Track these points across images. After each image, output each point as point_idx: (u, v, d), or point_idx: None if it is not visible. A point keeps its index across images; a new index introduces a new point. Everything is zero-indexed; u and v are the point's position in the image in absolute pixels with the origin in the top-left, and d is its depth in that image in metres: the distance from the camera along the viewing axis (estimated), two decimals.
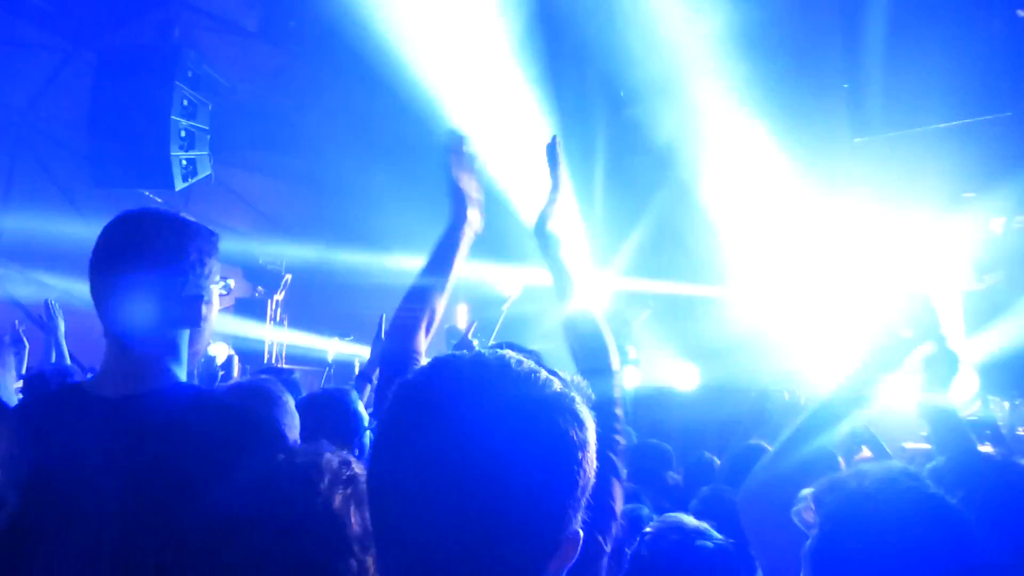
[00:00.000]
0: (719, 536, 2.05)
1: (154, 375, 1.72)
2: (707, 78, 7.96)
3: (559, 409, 0.93)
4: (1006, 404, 6.06)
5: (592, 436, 0.95)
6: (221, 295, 1.93)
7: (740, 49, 7.70)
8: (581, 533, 0.94)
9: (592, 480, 0.95)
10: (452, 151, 2.10)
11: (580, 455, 0.92)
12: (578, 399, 0.96)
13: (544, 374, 0.96)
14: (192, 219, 1.82)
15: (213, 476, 1.50)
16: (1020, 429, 5.70)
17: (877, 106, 5.96)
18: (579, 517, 0.94)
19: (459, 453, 0.87)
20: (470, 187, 2.09)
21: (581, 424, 0.94)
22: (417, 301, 2.04)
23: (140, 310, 1.70)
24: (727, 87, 7.84)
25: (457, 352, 1.00)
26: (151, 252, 1.71)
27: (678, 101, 8.54)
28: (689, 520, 2.11)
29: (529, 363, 0.96)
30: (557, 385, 0.95)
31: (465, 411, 0.89)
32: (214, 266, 1.81)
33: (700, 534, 2.02)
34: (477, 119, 8.19)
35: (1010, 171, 6.43)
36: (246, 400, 2.17)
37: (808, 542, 1.54)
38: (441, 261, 2.08)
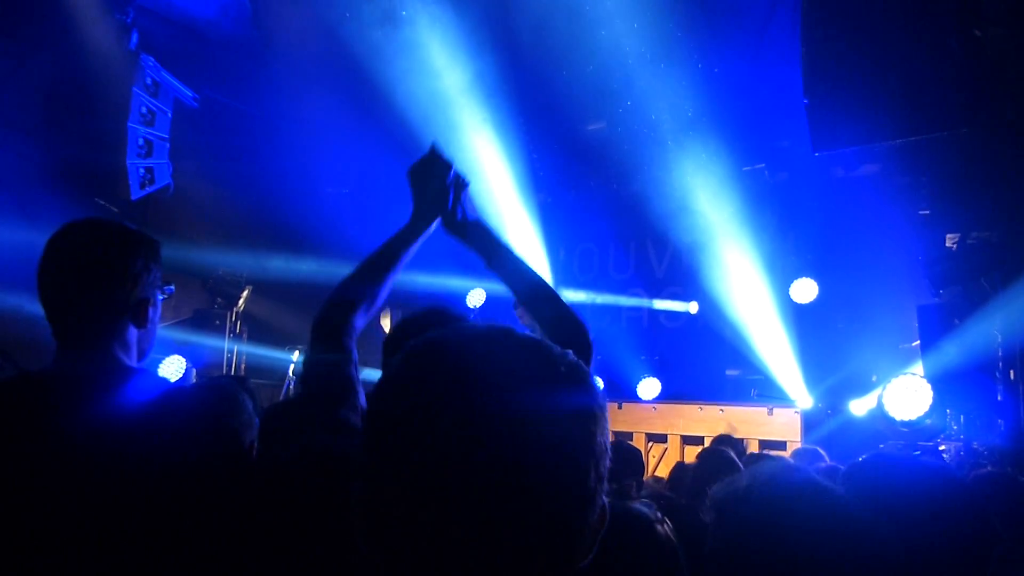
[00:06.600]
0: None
1: (112, 364, 1.77)
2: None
3: (583, 374, 0.88)
4: (961, 417, 6.14)
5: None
6: (162, 298, 1.97)
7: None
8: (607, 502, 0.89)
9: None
10: (431, 158, 1.94)
11: (605, 416, 0.88)
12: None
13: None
14: (135, 227, 1.89)
15: (184, 445, 1.64)
16: (975, 443, 5.78)
17: (836, 122, 6.04)
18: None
19: (495, 418, 0.79)
20: (441, 194, 1.94)
21: (597, 390, 0.89)
22: (359, 282, 1.88)
23: (92, 314, 1.76)
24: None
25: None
26: (102, 259, 1.78)
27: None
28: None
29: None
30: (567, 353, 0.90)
31: (500, 374, 0.82)
32: (158, 271, 1.89)
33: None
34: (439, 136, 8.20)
35: (965, 187, 6.55)
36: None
37: (708, 546, 1.54)
38: (394, 253, 1.92)
